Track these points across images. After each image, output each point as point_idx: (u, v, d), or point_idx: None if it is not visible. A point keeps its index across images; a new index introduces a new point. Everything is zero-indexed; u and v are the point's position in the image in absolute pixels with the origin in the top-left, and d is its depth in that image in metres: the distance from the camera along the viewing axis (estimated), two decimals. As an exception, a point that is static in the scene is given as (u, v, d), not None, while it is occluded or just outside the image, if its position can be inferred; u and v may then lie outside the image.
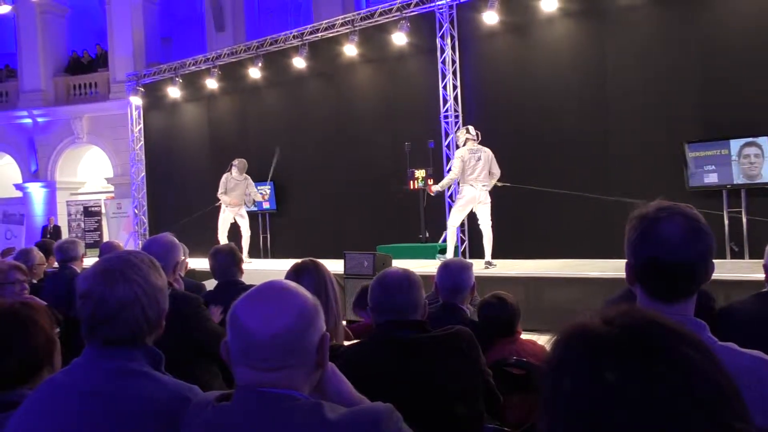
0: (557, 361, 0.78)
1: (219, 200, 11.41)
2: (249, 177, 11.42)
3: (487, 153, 8.53)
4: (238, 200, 11.26)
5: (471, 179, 8.43)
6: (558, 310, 6.94)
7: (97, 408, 1.47)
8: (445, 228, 10.69)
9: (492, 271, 8.15)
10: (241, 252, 10.93)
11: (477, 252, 10.26)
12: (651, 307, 1.50)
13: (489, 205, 8.52)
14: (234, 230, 11.43)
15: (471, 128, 8.76)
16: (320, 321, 1.36)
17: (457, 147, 8.78)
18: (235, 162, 11.31)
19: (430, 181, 8.95)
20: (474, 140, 8.59)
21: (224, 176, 11.33)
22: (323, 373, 1.41)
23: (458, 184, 8.81)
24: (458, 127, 8.82)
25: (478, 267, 8.09)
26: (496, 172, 8.54)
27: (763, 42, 8.26)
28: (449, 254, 8.71)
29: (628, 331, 0.76)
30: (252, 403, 1.28)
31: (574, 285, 7.30)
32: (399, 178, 10.63)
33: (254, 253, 12.70)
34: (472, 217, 10.55)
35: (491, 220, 8.53)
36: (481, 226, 8.62)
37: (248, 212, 13.39)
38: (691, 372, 0.73)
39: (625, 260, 1.58)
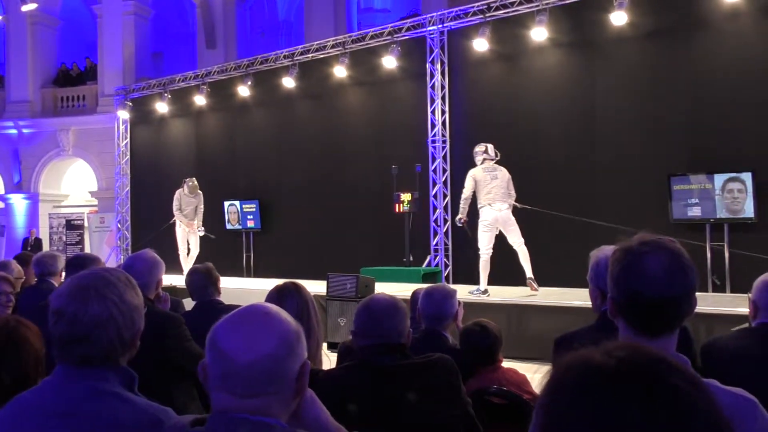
0: (555, 388, 0.79)
1: (173, 217, 11.77)
2: (201, 194, 11.87)
3: (503, 172, 8.21)
4: (190, 217, 11.70)
5: (489, 199, 8.05)
6: (540, 339, 6.89)
7: (67, 430, 1.43)
8: (429, 252, 10.69)
9: (474, 298, 8.08)
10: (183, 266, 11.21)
11: (461, 277, 10.24)
12: (634, 341, 1.50)
13: (515, 224, 8.12)
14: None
15: (490, 147, 8.36)
16: (302, 348, 1.33)
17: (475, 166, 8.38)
18: (188, 180, 11.78)
19: (459, 217, 8.33)
20: (491, 160, 8.26)
21: (177, 192, 11.71)
22: (301, 401, 1.38)
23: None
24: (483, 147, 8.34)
25: (463, 293, 8.08)
26: (513, 193, 8.22)
27: (748, 79, 8.37)
28: (482, 286, 8.25)
29: (626, 362, 0.77)
30: (227, 429, 1.24)
31: (556, 314, 7.28)
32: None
33: (237, 271, 12.60)
34: (457, 240, 10.57)
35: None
36: (515, 247, 8.18)
37: (232, 230, 13.36)
38: (688, 404, 0.75)
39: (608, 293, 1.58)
